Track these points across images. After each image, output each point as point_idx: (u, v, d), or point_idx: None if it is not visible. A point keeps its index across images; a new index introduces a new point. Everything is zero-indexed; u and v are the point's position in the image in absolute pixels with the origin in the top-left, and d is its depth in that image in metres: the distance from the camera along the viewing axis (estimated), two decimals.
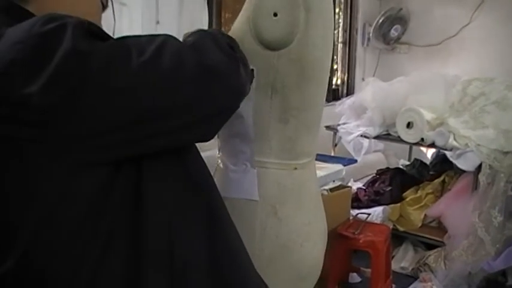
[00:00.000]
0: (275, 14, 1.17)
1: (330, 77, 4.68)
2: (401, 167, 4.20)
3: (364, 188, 3.89)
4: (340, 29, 4.94)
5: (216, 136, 1.32)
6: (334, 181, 2.86)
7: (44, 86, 0.69)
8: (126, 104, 0.75)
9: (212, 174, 1.35)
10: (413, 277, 3.33)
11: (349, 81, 5.03)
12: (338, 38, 4.92)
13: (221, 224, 0.97)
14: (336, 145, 3.96)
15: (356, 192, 3.80)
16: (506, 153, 3.05)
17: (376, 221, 3.39)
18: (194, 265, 0.88)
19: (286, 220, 1.28)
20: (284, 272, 1.30)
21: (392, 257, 3.40)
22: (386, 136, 3.68)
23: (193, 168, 0.95)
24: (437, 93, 3.44)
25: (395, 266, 3.36)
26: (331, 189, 2.91)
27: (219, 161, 1.34)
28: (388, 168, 4.14)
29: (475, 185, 3.18)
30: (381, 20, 4.65)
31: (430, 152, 4.28)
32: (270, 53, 1.19)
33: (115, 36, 2.32)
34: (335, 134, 3.92)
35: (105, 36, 0.80)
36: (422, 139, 3.36)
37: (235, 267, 0.98)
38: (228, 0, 3.54)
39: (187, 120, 0.83)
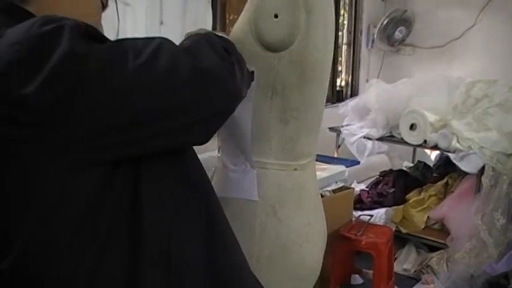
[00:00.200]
0: (276, 16, 1.17)
1: (334, 79, 4.71)
2: (404, 169, 4.20)
3: (367, 189, 3.89)
4: (344, 30, 4.95)
5: (216, 136, 1.33)
6: (336, 182, 2.86)
7: (41, 86, 0.69)
8: (123, 106, 0.76)
9: (212, 174, 1.36)
10: (416, 279, 3.33)
11: (354, 82, 5.02)
12: (342, 39, 4.93)
13: (218, 225, 0.98)
14: (339, 146, 3.96)
15: (359, 194, 3.80)
16: (510, 155, 3.04)
17: (379, 223, 3.39)
18: (191, 265, 0.89)
19: (286, 221, 1.28)
20: (283, 273, 1.30)
21: (395, 258, 3.40)
22: (389, 138, 3.69)
23: (191, 169, 0.95)
24: (440, 95, 3.44)
25: (397, 267, 3.36)
26: (334, 191, 2.92)
27: (219, 161, 1.35)
28: (391, 170, 4.14)
29: (478, 187, 3.18)
30: (385, 22, 4.64)
31: (434, 154, 4.27)
32: (271, 54, 1.19)
33: (119, 37, 2.32)
34: (338, 135, 3.92)
35: (103, 38, 0.80)
36: (425, 141, 3.36)
37: (231, 267, 0.99)
38: (233, 1, 3.55)
39: (183, 123, 0.84)
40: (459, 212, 3.27)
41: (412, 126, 3.39)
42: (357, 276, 3.25)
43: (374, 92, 3.68)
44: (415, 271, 3.37)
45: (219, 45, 0.93)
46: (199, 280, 0.90)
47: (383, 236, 2.90)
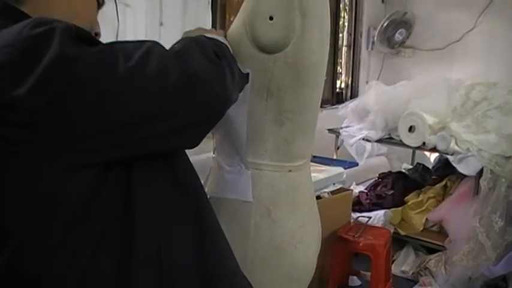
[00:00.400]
0: (271, 18, 1.18)
1: (334, 80, 4.71)
2: (403, 171, 4.20)
3: (366, 191, 3.89)
4: (344, 32, 4.96)
5: (211, 137, 1.34)
6: (334, 184, 2.86)
7: (32, 88, 0.70)
8: (113, 108, 0.76)
9: (207, 174, 1.36)
10: (414, 281, 3.33)
11: (354, 84, 5.04)
12: (343, 41, 4.95)
13: (209, 228, 0.99)
14: (338, 148, 3.96)
15: (358, 196, 3.80)
16: (508, 158, 3.04)
17: (377, 225, 3.39)
18: (182, 267, 0.90)
19: (280, 222, 1.29)
20: (277, 273, 1.31)
21: (393, 260, 3.40)
22: (388, 140, 3.69)
23: (182, 173, 0.96)
24: (439, 98, 3.44)
25: (396, 269, 3.36)
26: (332, 192, 2.92)
27: (214, 161, 1.35)
28: (390, 172, 4.14)
29: (477, 189, 3.18)
30: (385, 24, 4.65)
31: (433, 156, 4.27)
32: (266, 56, 1.20)
33: (119, 37, 2.33)
34: (337, 136, 3.92)
35: (94, 41, 0.81)
36: (424, 143, 3.36)
37: (222, 270, 1.00)
38: (233, 2, 3.56)
39: (173, 126, 0.84)
40: (457, 215, 3.28)
41: (411, 128, 3.39)
42: (354, 277, 3.25)
43: (373, 93, 3.69)
44: (413, 273, 3.37)
45: (210, 49, 0.94)
46: (190, 282, 0.90)
47: (381, 237, 2.91)
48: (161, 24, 2.82)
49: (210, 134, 1.17)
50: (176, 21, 2.89)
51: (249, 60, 1.19)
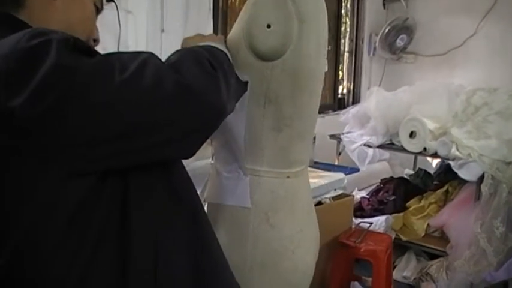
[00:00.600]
0: (268, 26, 1.19)
1: (335, 86, 4.72)
2: (405, 176, 4.20)
3: (367, 197, 3.89)
4: (346, 38, 4.98)
5: (210, 143, 1.35)
6: (335, 190, 2.86)
7: (29, 98, 0.71)
8: (109, 118, 0.77)
9: (206, 180, 1.37)
10: (415, 287, 3.33)
11: (355, 90, 5.05)
12: (344, 47, 4.96)
13: (205, 237, 1.01)
14: (339, 154, 3.97)
15: (359, 202, 3.80)
16: (509, 163, 3.04)
17: (379, 230, 3.39)
18: (178, 276, 0.91)
19: (279, 227, 1.29)
20: (276, 279, 1.31)
21: (395, 266, 3.40)
22: (389, 145, 3.69)
23: (178, 182, 0.97)
24: (440, 103, 3.45)
25: (397, 275, 3.36)
26: (333, 198, 2.92)
27: (213, 168, 1.36)
28: (392, 177, 4.14)
29: (478, 195, 3.17)
30: (387, 30, 4.66)
31: (435, 162, 4.27)
32: (264, 63, 1.21)
33: (120, 44, 2.33)
34: (339, 142, 3.93)
35: (92, 52, 0.82)
36: (425, 149, 3.36)
37: (217, 279, 1.01)
38: (234, 9, 3.57)
39: (168, 137, 0.85)
40: (459, 220, 3.27)
41: (412, 134, 3.40)
42: (356, 283, 3.24)
43: (374, 99, 3.69)
44: (414, 279, 3.36)
45: (205, 60, 0.94)
46: None
47: (382, 243, 2.90)
48: (162, 30, 2.83)
49: (208, 140, 1.18)
50: (177, 28, 2.90)
51: (247, 67, 1.20)
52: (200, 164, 1.29)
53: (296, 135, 1.29)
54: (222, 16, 3.46)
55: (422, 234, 3.55)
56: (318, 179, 2.71)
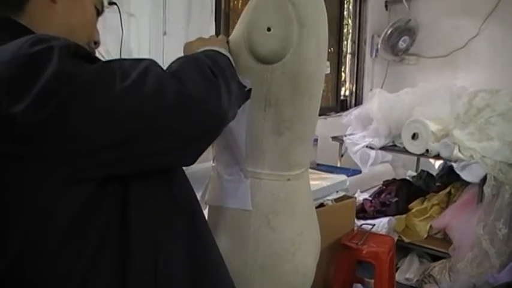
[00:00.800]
0: (269, 29, 1.19)
1: (338, 88, 4.72)
2: (408, 178, 4.20)
3: (370, 199, 3.89)
4: (348, 40, 4.98)
5: (211, 146, 1.36)
6: (337, 192, 2.86)
7: (30, 105, 0.72)
8: (111, 126, 0.78)
9: (207, 183, 1.38)
10: None
11: (358, 92, 5.05)
12: (347, 49, 4.96)
13: (205, 243, 1.02)
14: (342, 156, 3.97)
15: (362, 203, 3.80)
16: (511, 165, 3.04)
17: (381, 232, 3.39)
18: (177, 281, 0.92)
19: (279, 230, 1.30)
20: (276, 282, 1.32)
21: (398, 268, 3.40)
22: (392, 147, 3.69)
23: (177, 187, 0.98)
24: (443, 105, 3.45)
25: (400, 277, 3.36)
26: (336, 200, 2.92)
27: (214, 170, 1.37)
28: (394, 179, 4.13)
29: (480, 197, 3.17)
30: (389, 31, 4.67)
31: (438, 163, 4.27)
32: (264, 66, 1.21)
33: (123, 46, 2.33)
34: (341, 144, 3.93)
35: (93, 59, 0.82)
36: (427, 150, 3.36)
37: (216, 283, 1.02)
38: (237, 11, 3.58)
39: (169, 145, 0.85)
40: (461, 222, 3.27)
41: (414, 136, 3.40)
42: (358, 285, 3.24)
43: (376, 101, 3.69)
44: (417, 280, 3.36)
45: (207, 68, 0.94)
46: None
47: (384, 245, 2.90)
48: (165, 33, 2.84)
49: None
50: (180, 31, 2.91)
51: (247, 71, 1.21)
52: (201, 166, 1.29)
53: (296, 138, 1.29)
54: (225, 18, 3.47)
55: (425, 236, 3.54)
56: (320, 181, 2.71)
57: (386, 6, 5.02)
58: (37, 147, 0.74)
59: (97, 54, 1.02)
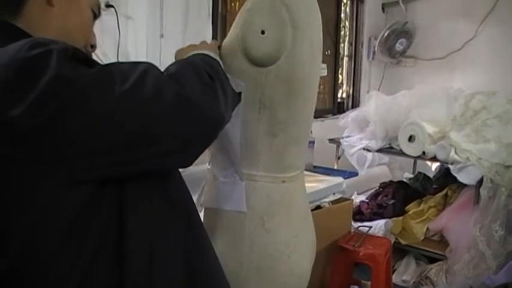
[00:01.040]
0: (263, 32, 1.20)
1: (335, 90, 4.73)
2: (404, 180, 4.21)
3: (367, 201, 3.89)
4: (345, 42, 4.99)
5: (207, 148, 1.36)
6: (334, 194, 2.87)
7: (29, 108, 0.72)
8: (110, 129, 0.78)
9: (203, 185, 1.38)
10: None
11: (355, 94, 5.06)
12: (344, 51, 4.98)
13: (201, 245, 1.02)
14: (339, 158, 3.97)
15: (359, 205, 3.81)
16: (508, 167, 3.05)
17: (378, 234, 3.40)
18: (173, 277, 0.92)
19: (274, 232, 1.30)
20: (272, 283, 1.32)
21: (394, 270, 3.41)
22: (389, 149, 3.70)
23: (173, 189, 0.98)
24: (439, 107, 3.45)
25: (397, 279, 3.36)
26: (332, 202, 2.93)
27: (209, 173, 1.37)
28: (391, 181, 4.14)
29: (477, 199, 3.18)
30: (386, 34, 4.68)
31: (434, 166, 4.28)
32: (258, 69, 1.22)
33: (120, 49, 2.34)
34: (338, 146, 3.93)
35: (91, 62, 0.83)
36: (424, 152, 3.37)
37: (212, 283, 1.02)
38: (233, 14, 3.58)
39: (167, 147, 0.86)
40: (458, 224, 3.28)
41: (411, 138, 3.40)
42: (355, 287, 3.24)
43: (373, 104, 3.70)
44: (414, 282, 3.36)
45: (204, 72, 0.95)
46: None
47: (381, 247, 2.91)
48: (162, 36, 2.85)
49: None
50: (177, 33, 2.92)
51: (242, 73, 1.21)
52: (197, 169, 1.30)
53: (291, 140, 1.30)
54: (221, 21, 3.48)
55: (422, 238, 3.55)
56: (317, 183, 2.72)
57: (383, 8, 5.04)
58: (35, 150, 0.74)
59: (94, 57, 1.02)
